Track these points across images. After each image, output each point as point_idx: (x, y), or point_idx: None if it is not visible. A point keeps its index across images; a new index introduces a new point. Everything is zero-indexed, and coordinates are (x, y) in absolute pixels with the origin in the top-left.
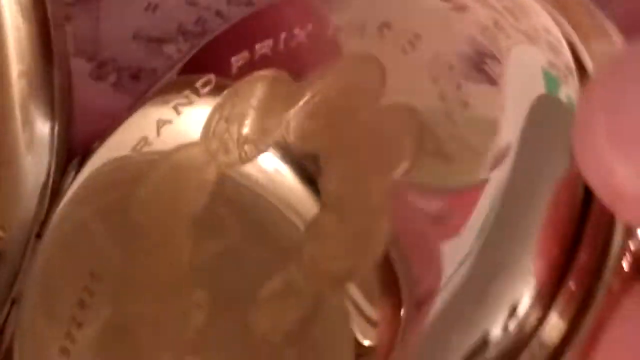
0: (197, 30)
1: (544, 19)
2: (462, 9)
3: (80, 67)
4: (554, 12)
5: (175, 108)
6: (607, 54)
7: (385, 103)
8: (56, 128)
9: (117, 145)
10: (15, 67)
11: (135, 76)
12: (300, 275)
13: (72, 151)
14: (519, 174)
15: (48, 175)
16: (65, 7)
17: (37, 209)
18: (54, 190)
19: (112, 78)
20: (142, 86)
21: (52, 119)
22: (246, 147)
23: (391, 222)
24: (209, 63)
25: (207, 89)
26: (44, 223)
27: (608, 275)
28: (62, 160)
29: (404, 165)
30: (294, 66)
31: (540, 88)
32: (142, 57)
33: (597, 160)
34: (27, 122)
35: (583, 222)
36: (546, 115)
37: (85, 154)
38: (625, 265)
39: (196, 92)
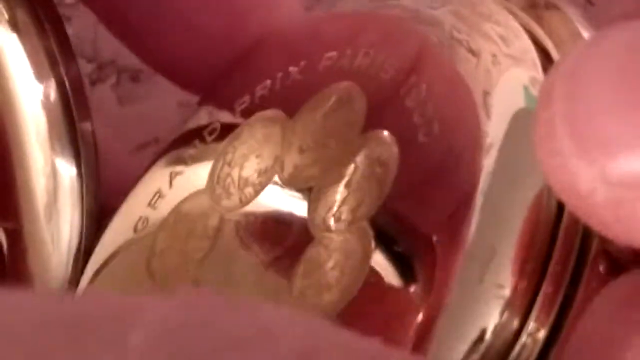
0: None
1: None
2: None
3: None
4: (530, 22)
5: (185, 159)
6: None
7: (365, 132)
8: (85, 194)
9: (135, 202)
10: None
11: (135, 78)
12: None
13: (103, 213)
14: (496, 186)
15: (80, 239)
16: (66, 8)
17: (72, 274)
18: (87, 252)
19: (112, 79)
20: (141, 88)
21: (80, 182)
22: (246, 190)
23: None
24: (214, 110)
25: (213, 136)
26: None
27: (584, 279)
28: (93, 223)
29: (385, 191)
30: (290, 104)
31: (520, 103)
32: None
33: (560, 165)
34: (55, 188)
35: (556, 227)
36: (524, 127)
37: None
38: (601, 267)
39: (204, 141)
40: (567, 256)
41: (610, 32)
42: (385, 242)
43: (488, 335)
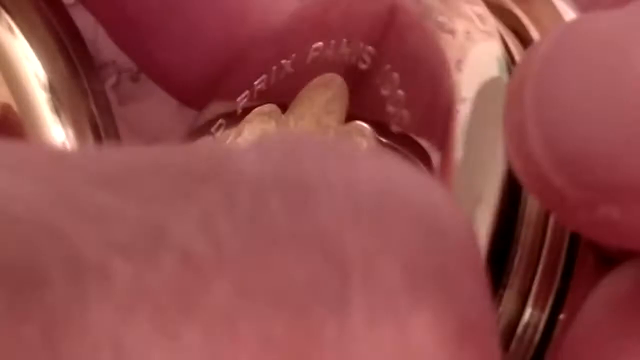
0: None
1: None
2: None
3: None
4: (514, 7)
5: None
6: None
7: (347, 124)
8: None
9: None
10: None
11: (135, 78)
12: None
13: None
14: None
15: None
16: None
17: None
18: None
19: (112, 79)
20: (141, 88)
21: None
22: None
23: None
24: (219, 106)
25: (219, 133)
26: None
27: (577, 270)
28: None
29: None
30: (284, 97)
31: (493, 72)
32: None
33: (533, 170)
34: None
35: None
36: (497, 94)
37: None
38: (590, 258)
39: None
40: (558, 248)
41: (582, 24)
42: None
43: None
